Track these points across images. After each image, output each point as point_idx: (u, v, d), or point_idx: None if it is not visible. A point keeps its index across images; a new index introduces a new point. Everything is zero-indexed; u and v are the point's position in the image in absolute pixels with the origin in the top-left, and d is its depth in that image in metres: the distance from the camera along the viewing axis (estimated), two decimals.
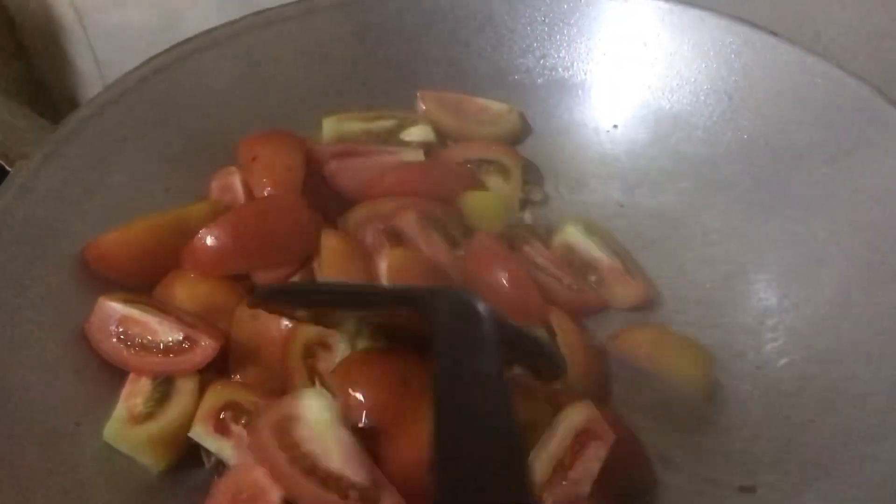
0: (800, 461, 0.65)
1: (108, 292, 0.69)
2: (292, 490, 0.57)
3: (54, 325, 0.67)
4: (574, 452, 0.59)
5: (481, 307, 0.50)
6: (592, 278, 0.78)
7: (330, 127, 0.87)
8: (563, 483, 0.58)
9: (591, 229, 0.80)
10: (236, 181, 0.80)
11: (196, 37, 0.84)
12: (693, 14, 0.84)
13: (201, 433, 0.63)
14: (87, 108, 0.78)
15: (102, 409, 0.65)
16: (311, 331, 0.65)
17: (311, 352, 0.64)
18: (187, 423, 0.65)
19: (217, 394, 0.63)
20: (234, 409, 0.62)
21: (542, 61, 0.91)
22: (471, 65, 0.92)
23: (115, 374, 0.67)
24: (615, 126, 0.88)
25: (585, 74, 0.90)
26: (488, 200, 0.82)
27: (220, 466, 0.64)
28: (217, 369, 0.68)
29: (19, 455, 0.59)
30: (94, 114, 0.77)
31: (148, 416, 0.65)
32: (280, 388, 0.65)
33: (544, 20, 0.90)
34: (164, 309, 0.70)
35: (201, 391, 0.66)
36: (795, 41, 0.80)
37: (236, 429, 0.62)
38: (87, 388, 0.66)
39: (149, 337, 0.67)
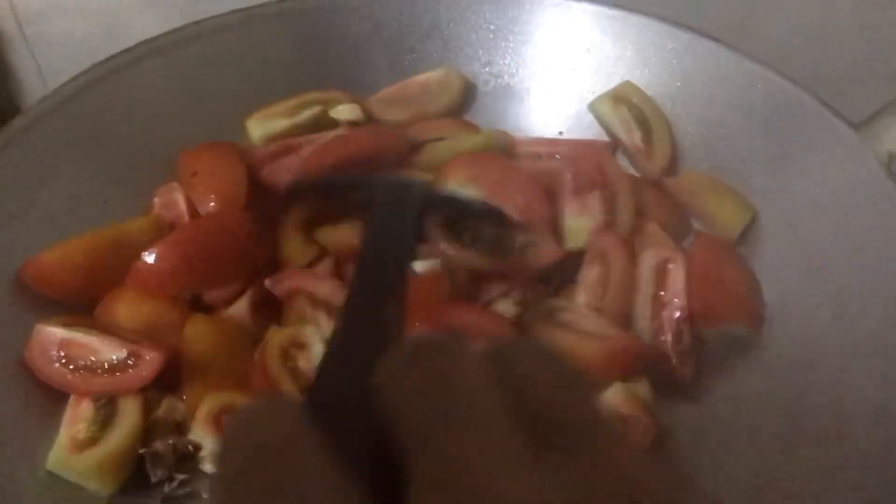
0: None
1: (43, 312, 0.68)
2: None
3: None
4: (660, 282, 0.70)
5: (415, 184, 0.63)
6: None
7: (255, 127, 0.86)
8: (664, 310, 0.69)
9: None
10: (179, 197, 0.79)
11: (136, 46, 0.83)
12: (635, 20, 0.84)
13: (202, 434, 0.63)
14: (21, 119, 0.76)
15: (41, 437, 0.64)
16: (282, 334, 0.65)
17: (288, 354, 0.63)
18: (133, 445, 0.64)
19: (214, 399, 0.64)
20: (230, 411, 0.63)
21: (487, 68, 0.91)
22: (417, 72, 0.91)
23: (52, 400, 0.66)
24: (560, 133, 0.88)
25: (531, 81, 0.90)
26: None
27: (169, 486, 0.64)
28: (163, 387, 0.67)
29: None
30: (30, 125, 0.75)
31: (92, 441, 0.64)
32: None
33: (489, 27, 0.90)
34: (105, 328, 0.69)
35: (145, 411, 0.66)
36: (736, 47, 0.80)
37: None
38: (24, 415, 0.65)
39: (91, 358, 0.66)
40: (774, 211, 0.75)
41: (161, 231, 0.76)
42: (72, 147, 0.78)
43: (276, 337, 0.65)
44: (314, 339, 0.64)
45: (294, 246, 0.75)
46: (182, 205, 0.78)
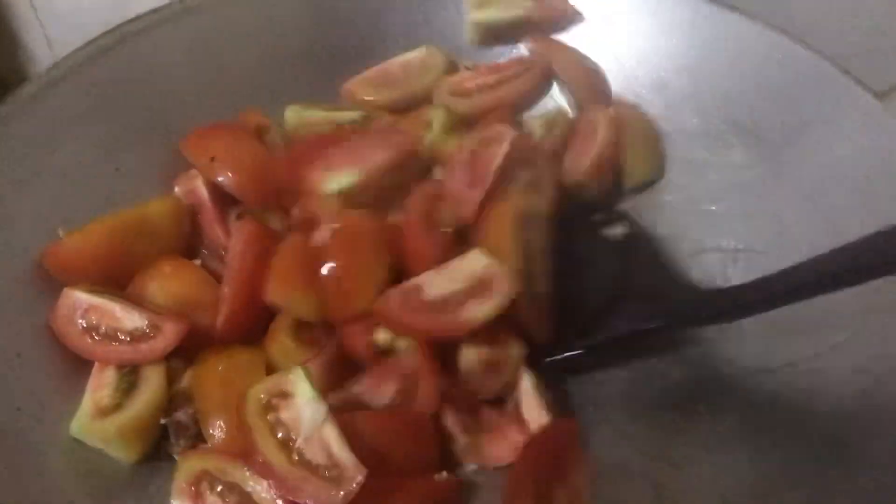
0: None
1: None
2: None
3: (6, 313, 0.65)
4: None
5: None
6: None
7: (293, 115, 0.85)
8: None
9: None
10: (200, 185, 0.78)
11: (145, 15, 0.82)
12: None
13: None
14: (31, 85, 0.75)
15: (65, 403, 0.64)
16: (264, 385, 0.62)
17: (270, 405, 0.61)
18: (156, 412, 0.64)
19: (190, 466, 0.61)
20: (209, 478, 0.60)
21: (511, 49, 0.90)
22: (434, 40, 0.90)
23: (77, 367, 0.66)
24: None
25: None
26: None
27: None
28: (186, 358, 0.67)
29: None
30: (40, 92, 0.75)
31: (116, 407, 0.63)
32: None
33: None
34: (128, 298, 0.68)
35: (168, 379, 0.66)
36: (755, 15, 0.79)
37: (213, 499, 0.60)
38: (48, 382, 0.65)
39: (114, 326, 0.66)
40: (795, 182, 0.74)
41: (180, 214, 0.76)
42: (82, 114, 0.77)
43: (257, 389, 0.61)
44: (300, 385, 0.60)
45: (282, 350, 0.69)
46: (204, 192, 0.77)
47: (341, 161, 0.75)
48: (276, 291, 0.67)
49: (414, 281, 0.65)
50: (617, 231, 0.78)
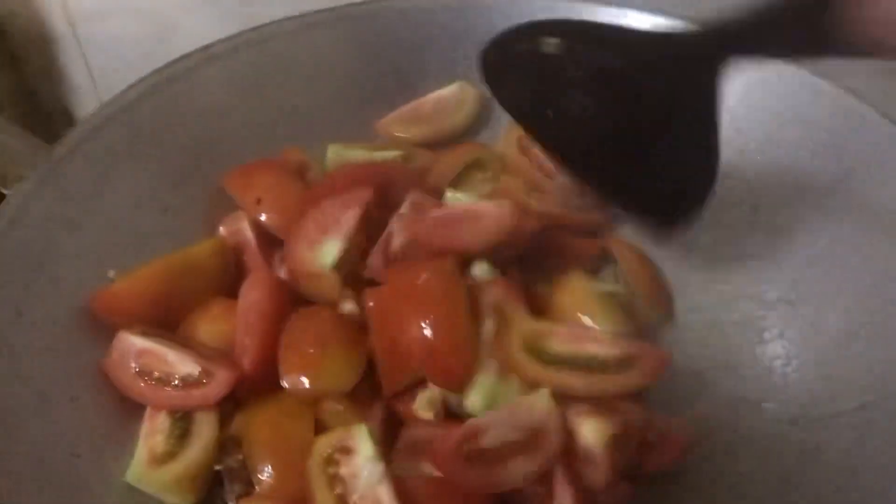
0: None
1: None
2: None
3: (51, 352, 0.66)
4: None
5: None
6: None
7: (334, 152, 0.87)
8: None
9: None
10: (244, 226, 0.79)
11: (192, 53, 0.83)
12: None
13: None
14: (82, 126, 0.76)
15: (119, 447, 0.65)
16: (329, 439, 0.63)
17: (332, 459, 0.61)
18: (209, 459, 0.65)
19: None
20: None
21: None
22: (473, 77, 0.90)
23: (130, 412, 0.67)
24: None
25: None
26: None
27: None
28: (237, 403, 0.68)
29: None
30: (91, 133, 0.76)
31: (170, 454, 0.64)
32: (301, 493, 0.62)
33: None
34: (180, 342, 0.69)
35: (221, 425, 0.67)
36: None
37: None
38: (102, 426, 0.66)
39: (166, 370, 0.67)
40: (839, 227, 0.75)
41: (226, 255, 0.77)
42: (131, 155, 0.78)
43: (324, 441, 0.62)
44: (362, 443, 0.61)
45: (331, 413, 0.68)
46: (248, 232, 0.79)
47: (318, 232, 0.73)
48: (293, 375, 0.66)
49: (474, 423, 0.62)
50: None
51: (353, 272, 0.72)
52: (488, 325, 0.67)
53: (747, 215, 0.80)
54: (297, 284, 0.73)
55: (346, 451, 0.62)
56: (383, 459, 0.60)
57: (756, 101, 0.81)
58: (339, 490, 0.60)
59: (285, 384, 0.65)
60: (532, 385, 0.64)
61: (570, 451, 0.61)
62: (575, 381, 0.63)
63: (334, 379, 0.66)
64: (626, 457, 0.62)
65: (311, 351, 0.66)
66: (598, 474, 0.60)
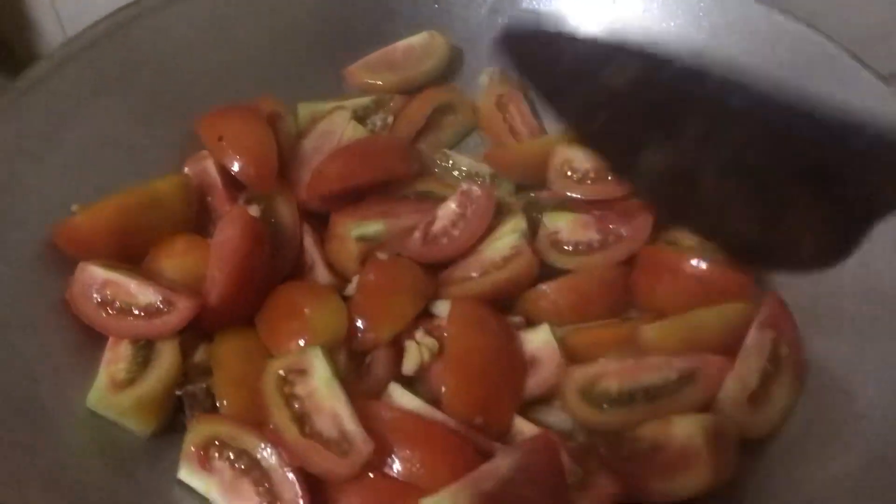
0: None
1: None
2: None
3: (13, 282, 0.66)
4: None
5: None
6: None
7: (305, 110, 0.87)
8: None
9: None
10: (209, 165, 0.79)
11: None
12: None
13: (187, 474, 0.61)
14: (45, 62, 0.76)
15: (81, 376, 0.65)
16: (283, 360, 0.64)
17: (286, 380, 0.62)
18: (171, 386, 0.65)
19: (200, 430, 0.62)
20: (219, 444, 0.61)
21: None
22: (441, 23, 0.91)
23: (92, 341, 0.67)
24: None
25: None
26: None
27: None
28: (199, 333, 0.69)
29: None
30: (54, 69, 0.75)
31: (131, 380, 0.65)
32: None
33: None
34: (143, 274, 0.70)
35: (183, 353, 0.67)
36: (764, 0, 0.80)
37: (220, 465, 0.61)
38: (64, 354, 0.66)
39: (128, 301, 0.67)
40: None
41: (189, 192, 0.77)
42: (95, 92, 0.77)
43: (276, 364, 0.63)
44: (317, 363, 0.62)
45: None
46: (214, 172, 0.78)
47: (373, 213, 0.77)
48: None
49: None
50: None
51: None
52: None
53: None
54: (325, 246, 0.76)
55: (301, 372, 0.62)
56: (339, 378, 0.61)
57: (723, 39, 0.81)
58: (297, 406, 0.61)
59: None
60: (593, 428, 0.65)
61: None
62: (634, 417, 0.64)
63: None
64: (725, 460, 0.60)
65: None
66: (701, 472, 0.59)
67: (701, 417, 0.61)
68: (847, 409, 0.63)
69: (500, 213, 0.78)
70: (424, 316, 0.71)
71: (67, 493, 0.57)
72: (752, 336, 0.65)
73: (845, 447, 0.61)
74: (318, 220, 0.79)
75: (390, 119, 0.88)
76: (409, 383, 0.67)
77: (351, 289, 0.73)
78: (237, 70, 0.86)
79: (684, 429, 0.60)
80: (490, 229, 0.77)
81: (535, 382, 0.67)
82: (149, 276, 0.70)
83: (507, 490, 0.56)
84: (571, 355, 0.68)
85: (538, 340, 0.68)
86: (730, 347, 0.66)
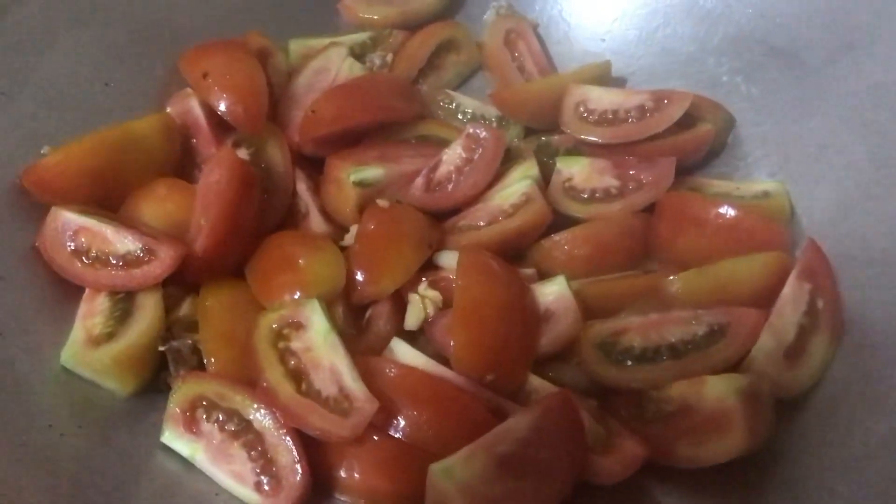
0: None
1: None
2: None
3: None
4: None
5: None
6: None
7: (297, 46, 0.81)
8: None
9: None
10: (194, 104, 0.72)
11: None
12: None
13: (171, 437, 0.56)
14: None
15: (53, 331, 0.60)
16: (276, 313, 0.59)
17: (280, 334, 0.58)
18: (153, 341, 0.60)
19: (186, 389, 0.57)
20: (206, 404, 0.56)
21: None
22: None
23: (65, 293, 0.62)
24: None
25: None
26: None
27: None
28: (184, 286, 0.63)
29: None
30: None
31: (109, 336, 0.59)
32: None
33: None
34: (121, 220, 0.64)
35: (166, 307, 0.62)
36: None
37: (208, 427, 0.56)
38: (36, 307, 0.60)
39: (105, 249, 0.62)
40: (837, 102, 0.69)
41: (171, 132, 0.71)
42: (68, 23, 0.71)
43: (269, 317, 0.59)
44: (314, 316, 0.58)
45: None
46: (198, 110, 0.72)
47: (372, 157, 0.72)
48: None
49: None
50: None
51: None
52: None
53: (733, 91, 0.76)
54: (320, 192, 0.72)
55: (297, 326, 0.57)
56: (338, 331, 0.56)
57: None
58: (292, 363, 0.55)
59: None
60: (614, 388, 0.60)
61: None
62: (660, 375, 0.59)
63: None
64: (761, 423, 0.56)
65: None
66: (735, 436, 0.54)
67: (735, 377, 0.56)
68: (886, 370, 0.58)
69: (508, 159, 0.74)
70: (428, 267, 0.66)
71: (39, 461, 0.52)
72: (789, 288, 0.60)
73: (885, 408, 0.56)
74: (313, 167, 0.74)
75: (389, 57, 0.82)
76: (411, 340, 0.62)
77: (349, 238, 0.68)
78: (223, 3, 0.80)
79: (717, 389, 0.55)
80: (498, 176, 0.72)
81: (549, 338, 0.62)
82: (128, 222, 0.64)
83: (524, 452, 0.52)
84: (589, 309, 0.63)
85: (553, 293, 0.63)
86: (762, 300, 0.61)
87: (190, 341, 0.61)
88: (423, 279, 0.65)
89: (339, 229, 0.70)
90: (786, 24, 0.73)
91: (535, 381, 0.60)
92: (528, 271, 0.67)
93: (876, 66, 0.68)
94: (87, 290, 0.62)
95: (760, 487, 0.55)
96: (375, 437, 0.54)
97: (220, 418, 0.55)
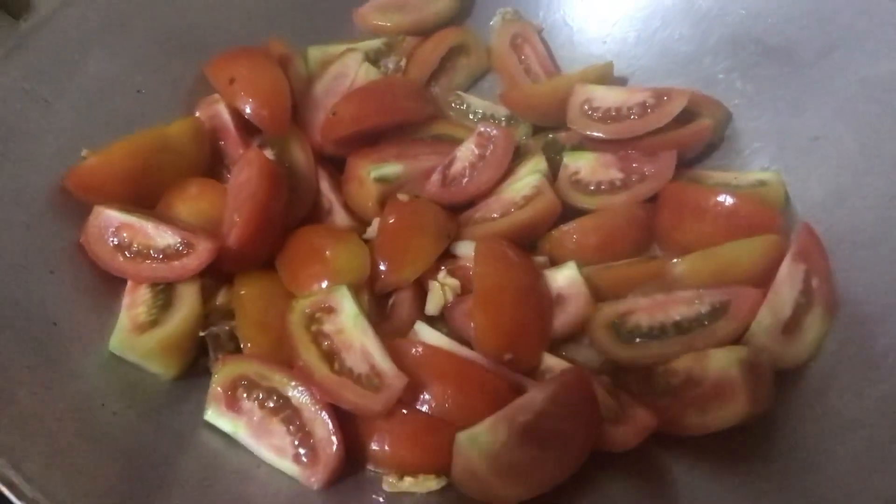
0: None
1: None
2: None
3: (27, 228, 0.64)
4: None
5: None
6: None
7: (316, 52, 0.85)
8: None
9: None
10: (222, 108, 0.77)
11: None
12: None
13: (214, 415, 0.60)
14: (50, 3, 0.73)
15: (100, 320, 0.64)
16: (309, 299, 0.63)
17: (313, 318, 0.61)
18: (194, 328, 0.64)
19: (228, 370, 0.61)
20: (247, 383, 0.60)
21: None
22: None
23: (110, 285, 0.66)
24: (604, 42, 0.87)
25: None
26: None
27: None
28: (215, 275, 0.67)
29: (20, 372, 0.57)
30: (59, 10, 0.73)
31: (153, 323, 0.63)
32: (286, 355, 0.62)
33: None
34: (160, 216, 0.68)
35: (204, 296, 0.66)
36: None
37: (248, 405, 0.60)
38: (82, 298, 0.64)
39: (146, 244, 0.66)
40: (828, 96, 0.73)
41: (201, 135, 0.75)
42: (104, 33, 0.75)
43: (302, 302, 0.63)
44: (344, 301, 0.62)
45: None
46: (226, 114, 0.76)
47: (390, 154, 0.76)
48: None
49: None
50: None
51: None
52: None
53: (734, 89, 0.79)
54: (343, 189, 0.76)
55: (329, 310, 0.61)
56: (367, 315, 0.60)
57: None
58: (325, 344, 0.60)
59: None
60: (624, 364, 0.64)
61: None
62: (667, 350, 0.63)
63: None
64: (762, 391, 0.59)
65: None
66: (738, 403, 0.58)
67: (736, 349, 0.60)
68: (875, 341, 0.62)
69: (518, 155, 0.78)
70: (446, 257, 0.71)
71: (97, 436, 0.56)
72: (785, 268, 0.64)
73: (876, 376, 0.60)
74: (333, 165, 0.78)
75: (403, 62, 0.87)
76: (432, 324, 0.66)
77: (371, 231, 0.72)
78: (246, 12, 0.84)
79: (719, 361, 0.59)
80: (509, 171, 0.76)
81: (563, 320, 0.66)
82: (164, 219, 0.68)
83: (543, 422, 0.56)
84: (598, 293, 0.67)
85: (564, 278, 0.67)
86: (760, 281, 0.65)
87: (227, 328, 0.65)
88: (442, 268, 0.69)
89: (362, 223, 0.74)
90: (778, 24, 0.77)
91: (551, 360, 0.64)
92: (541, 259, 0.71)
93: (864, 61, 0.72)
94: (129, 283, 0.66)
95: (763, 451, 0.59)
96: (404, 412, 0.58)
97: (260, 396, 0.59)
